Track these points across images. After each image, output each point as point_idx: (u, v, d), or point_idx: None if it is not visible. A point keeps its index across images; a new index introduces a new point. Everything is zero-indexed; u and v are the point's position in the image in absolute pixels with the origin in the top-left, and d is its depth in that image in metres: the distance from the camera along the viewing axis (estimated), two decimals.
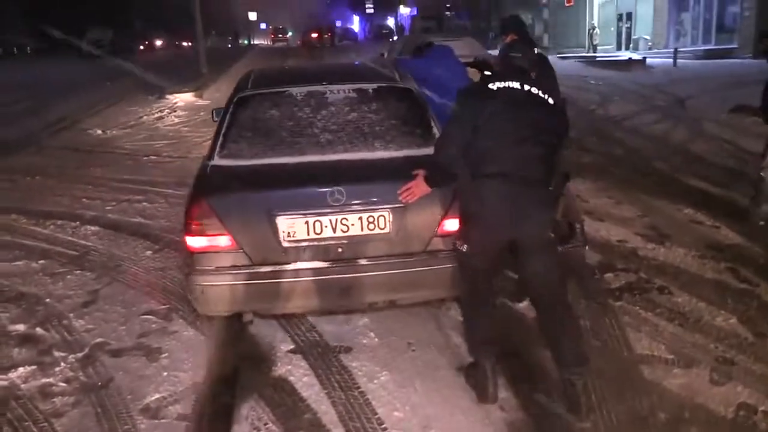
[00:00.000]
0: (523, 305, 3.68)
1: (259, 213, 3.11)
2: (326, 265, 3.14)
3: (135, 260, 4.80)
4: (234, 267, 3.14)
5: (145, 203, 6.30)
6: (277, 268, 3.14)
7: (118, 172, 7.76)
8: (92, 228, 5.59)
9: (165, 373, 3.21)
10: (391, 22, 58.58)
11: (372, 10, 58.13)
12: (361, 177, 3.22)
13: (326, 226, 3.11)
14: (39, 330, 3.70)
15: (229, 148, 3.50)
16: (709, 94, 11.97)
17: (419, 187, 2.97)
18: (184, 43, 66.74)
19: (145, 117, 12.54)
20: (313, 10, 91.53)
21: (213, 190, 3.23)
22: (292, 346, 3.42)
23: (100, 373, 3.22)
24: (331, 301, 3.29)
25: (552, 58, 24.16)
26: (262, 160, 3.40)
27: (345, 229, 3.12)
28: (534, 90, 2.70)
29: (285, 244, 3.11)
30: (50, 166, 8.23)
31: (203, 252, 3.15)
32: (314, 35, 45.59)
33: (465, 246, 2.77)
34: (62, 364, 3.31)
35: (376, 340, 3.44)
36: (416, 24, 44.24)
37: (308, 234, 3.11)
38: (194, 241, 3.15)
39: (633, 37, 25.64)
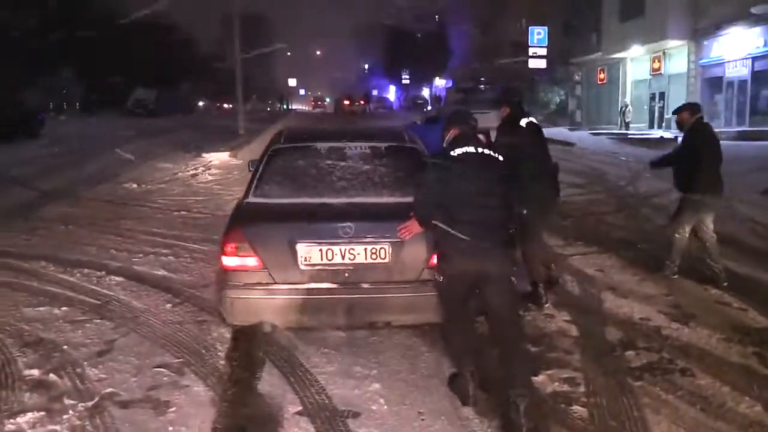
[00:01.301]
0: None
1: (282, 240, 3.82)
2: (335, 287, 3.83)
3: (154, 312, 4.84)
4: (259, 284, 3.84)
5: (170, 257, 6.41)
6: (295, 286, 3.83)
7: (148, 225, 7.93)
8: (117, 278, 5.68)
9: (171, 428, 3.19)
10: (426, 92, 60.01)
11: (408, 81, 59.69)
12: (367, 216, 3.92)
13: (337, 254, 3.80)
14: (52, 376, 3.72)
15: (261, 189, 4.33)
16: (741, 175, 11.82)
17: (413, 226, 3.56)
18: (225, 105, 69.40)
19: (179, 174, 12.89)
20: (351, 79, 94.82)
21: (246, 220, 4.04)
22: (299, 408, 3.37)
23: (107, 424, 3.21)
24: (338, 317, 3.92)
25: (584, 134, 24.55)
26: (288, 199, 4.21)
27: (352, 257, 3.80)
28: (486, 151, 3.38)
29: (302, 267, 3.81)
30: (84, 216, 8.46)
31: (235, 270, 3.87)
32: (346, 102, 49.33)
33: (441, 277, 3.36)
34: (70, 412, 3.31)
35: (386, 407, 3.38)
36: (450, 96, 45.09)
37: (321, 259, 3.81)
38: (228, 261, 3.88)
39: (666, 116, 25.75)
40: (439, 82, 58.29)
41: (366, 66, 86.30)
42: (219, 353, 4.08)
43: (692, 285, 5.46)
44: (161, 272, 5.90)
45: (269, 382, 3.66)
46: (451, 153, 3.38)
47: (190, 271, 5.95)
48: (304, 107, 75.61)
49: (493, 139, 5.14)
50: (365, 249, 3.81)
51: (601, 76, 30.41)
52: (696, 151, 5.43)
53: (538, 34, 21.79)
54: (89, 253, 6.58)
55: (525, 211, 4.74)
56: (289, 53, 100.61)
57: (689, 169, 5.39)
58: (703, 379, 3.67)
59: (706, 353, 4.04)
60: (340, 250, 3.81)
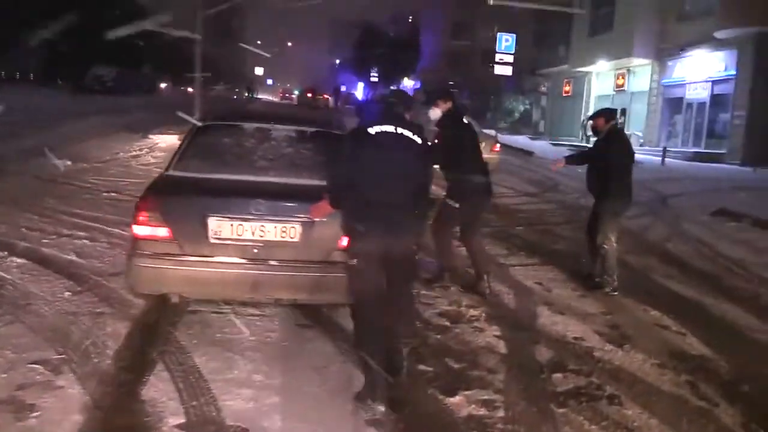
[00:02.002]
0: None
1: (193, 213, 3.85)
2: (243, 262, 3.85)
3: (49, 301, 4.38)
4: (168, 254, 3.83)
5: (85, 240, 5.92)
6: (204, 259, 3.84)
7: (72, 205, 7.38)
8: (19, 260, 5.19)
9: None
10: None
11: (376, 79, 59.23)
12: (280, 195, 3.95)
13: (247, 230, 3.82)
14: None
15: (182, 163, 4.34)
16: (694, 196, 11.87)
17: (324, 207, 3.52)
18: (189, 89, 67.59)
19: (121, 154, 12.28)
20: (321, 73, 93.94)
21: (159, 191, 4.07)
22: (181, 420, 2.98)
23: None
24: (244, 291, 3.96)
25: (545, 144, 24.59)
26: (207, 174, 4.20)
27: (262, 234, 3.83)
28: (406, 132, 3.33)
29: (212, 241, 3.82)
30: (4, 191, 7.84)
31: (144, 239, 3.86)
32: (309, 95, 51.01)
33: (354, 260, 3.30)
34: None
35: (279, 424, 3.01)
36: (417, 97, 45.14)
37: (232, 234, 3.83)
38: (139, 230, 3.87)
39: (626, 132, 26.02)
40: (408, 83, 58.12)
41: (337, 61, 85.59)
42: (108, 351, 3.66)
43: (633, 304, 5.25)
44: (70, 256, 5.42)
45: (155, 388, 3.25)
46: (368, 130, 3.34)
47: (102, 256, 5.48)
48: (271, 97, 74.46)
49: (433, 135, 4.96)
50: (275, 227, 3.85)
51: (567, 88, 30.58)
52: (607, 157, 5.46)
53: (506, 41, 21.61)
54: None
55: (457, 205, 5.04)
56: (259, 41, 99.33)
57: (600, 174, 5.48)
58: (631, 408, 3.41)
59: (638, 380, 3.79)
60: (251, 226, 3.84)
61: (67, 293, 4.54)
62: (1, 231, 6.04)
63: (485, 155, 11.88)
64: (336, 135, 4.56)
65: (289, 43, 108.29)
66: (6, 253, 5.33)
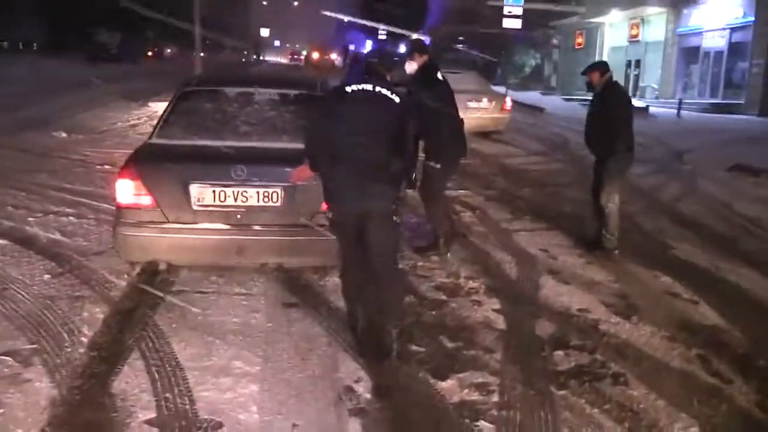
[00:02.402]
0: None
1: (176, 180, 3.84)
2: (227, 227, 3.89)
3: (27, 284, 4.20)
4: (152, 222, 3.86)
5: (71, 218, 5.72)
6: (187, 226, 3.87)
7: (63, 179, 7.18)
8: (1, 242, 5.00)
9: None
10: (403, 49, 58.47)
11: (384, 37, 58.00)
12: (261, 159, 3.95)
13: (229, 196, 3.84)
14: None
15: (165, 131, 4.32)
16: (710, 150, 11.42)
17: (305, 171, 3.50)
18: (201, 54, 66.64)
19: (119, 124, 12.04)
20: (328, 32, 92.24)
21: (142, 159, 4.03)
22: (152, 415, 2.79)
23: None
24: (230, 257, 4.00)
25: (556, 100, 23.97)
26: (189, 141, 4.19)
27: (244, 199, 3.84)
28: (384, 91, 3.26)
29: (195, 208, 3.84)
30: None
31: (128, 208, 3.89)
32: (315, 56, 50.41)
33: (330, 214, 3.35)
34: None
35: (256, 416, 2.81)
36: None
37: (214, 200, 3.84)
38: (122, 199, 3.89)
39: (641, 84, 25.27)
40: None
41: (345, 19, 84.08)
42: (83, 339, 3.47)
43: (642, 271, 4.97)
44: (55, 236, 5.23)
45: (128, 379, 3.06)
46: (345, 89, 3.32)
47: (88, 234, 5.28)
48: (279, 59, 73.51)
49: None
50: (257, 192, 3.86)
51: (579, 40, 29.67)
52: (609, 112, 5.17)
53: None
54: None
55: (438, 165, 4.84)
56: (264, 2, 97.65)
57: (601, 131, 5.19)
58: (637, 388, 3.17)
59: (645, 356, 3.54)
60: (233, 192, 3.85)
61: (47, 276, 4.36)
62: None
63: (495, 114, 11.69)
64: (320, 97, 4.42)
65: (295, 2, 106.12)
66: None
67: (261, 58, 60.79)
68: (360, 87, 3.29)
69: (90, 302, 3.94)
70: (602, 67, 5.35)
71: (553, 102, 22.33)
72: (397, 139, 3.27)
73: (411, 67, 4.94)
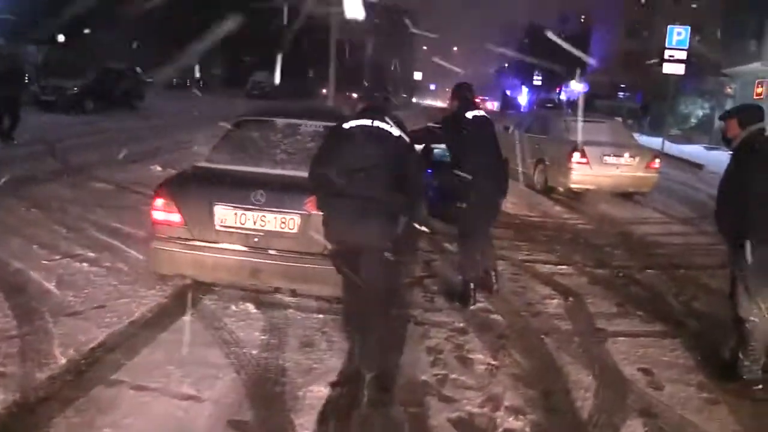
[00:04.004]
0: None
1: (202, 201, 4.10)
2: (245, 249, 4.08)
3: None
4: (180, 239, 4.15)
5: (86, 264, 5.09)
6: (210, 245, 4.11)
7: (115, 218, 6.62)
8: None
9: None
10: (564, 96, 56.03)
11: (540, 83, 56.16)
12: (281, 186, 4.04)
13: (249, 219, 4.04)
14: None
15: (213, 156, 4.67)
16: None
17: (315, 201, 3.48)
18: (355, 95, 69.26)
19: None
20: (484, 78, 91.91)
21: (177, 180, 4.43)
22: None
23: None
24: (245, 278, 4.20)
25: (723, 156, 20.72)
26: (228, 166, 4.44)
27: (263, 224, 4.03)
28: (383, 126, 3.33)
29: (218, 228, 4.08)
30: (68, 200, 7.32)
31: (160, 224, 4.20)
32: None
33: (329, 245, 3.43)
34: None
35: None
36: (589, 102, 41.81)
37: (235, 223, 4.06)
38: (156, 215, 4.20)
39: None
40: (575, 86, 54.28)
41: (506, 65, 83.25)
42: None
43: None
44: (50, 285, 4.60)
45: None
46: (344, 126, 3.38)
47: (84, 287, 4.61)
48: (434, 102, 74.14)
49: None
50: (275, 218, 4.03)
51: (759, 90, 25.85)
52: (744, 180, 3.54)
53: (678, 35, 18.35)
54: (8, 247, 5.39)
55: (464, 205, 4.65)
56: (425, 47, 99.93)
57: (734, 206, 3.59)
58: None
59: None
60: (253, 215, 4.05)
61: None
62: (12, 247, 5.40)
63: (638, 173, 9.74)
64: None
65: (455, 48, 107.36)
66: None
67: (413, 100, 61.81)
68: (358, 123, 3.34)
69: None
70: (744, 114, 3.71)
71: (717, 158, 19.26)
72: (399, 174, 3.25)
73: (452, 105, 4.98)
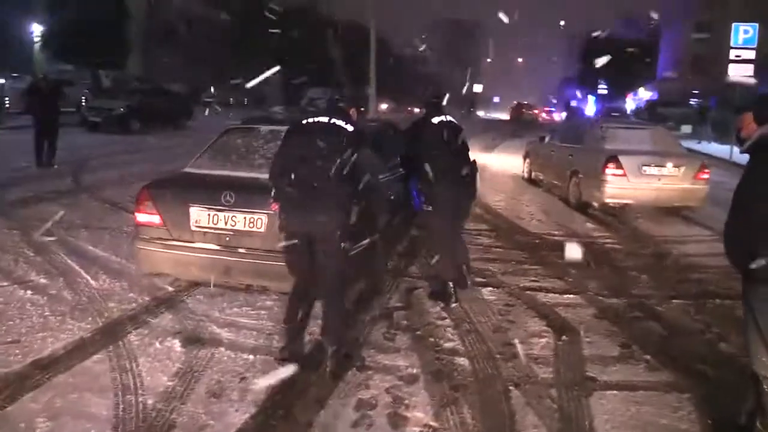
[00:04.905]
0: None
1: (179, 203, 4.39)
2: (218, 248, 4.31)
3: None
4: (160, 239, 4.45)
5: (30, 291, 4.72)
6: (187, 244, 4.37)
7: (92, 239, 6.29)
8: None
9: None
10: (631, 104, 53.57)
11: (605, 91, 53.90)
12: (249, 187, 4.19)
13: (221, 220, 4.26)
14: None
15: (199, 161, 4.92)
16: None
17: None
18: (416, 110, 68.87)
19: None
20: (551, 88, 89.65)
21: (156, 184, 4.68)
22: None
23: None
24: (218, 275, 4.45)
25: None
26: (207, 170, 4.70)
27: (233, 224, 4.25)
28: (337, 122, 3.52)
29: (193, 228, 4.33)
30: (69, 220, 7.07)
31: (143, 225, 4.50)
32: (519, 110, 52.35)
33: (282, 238, 3.55)
34: None
35: None
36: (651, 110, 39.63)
37: (209, 223, 4.30)
38: (138, 216, 4.51)
39: None
40: (644, 94, 51.85)
41: (571, 74, 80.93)
42: None
43: None
44: None
45: None
46: (302, 121, 3.62)
47: (16, 317, 4.23)
48: (496, 115, 72.79)
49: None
50: (245, 217, 4.19)
51: None
52: (759, 189, 2.71)
53: (745, 33, 16.81)
54: None
55: (430, 208, 4.75)
56: (489, 59, 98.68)
57: (742, 225, 2.75)
58: None
59: None
60: (224, 216, 4.22)
61: None
62: None
63: (684, 184, 8.61)
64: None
65: (519, 59, 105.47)
66: None
67: (479, 114, 61.28)
68: (315, 119, 3.55)
69: None
70: (763, 107, 2.87)
71: None
72: (349, 167, 3.38)
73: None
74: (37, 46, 28.61)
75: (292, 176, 3.41)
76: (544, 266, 6.01)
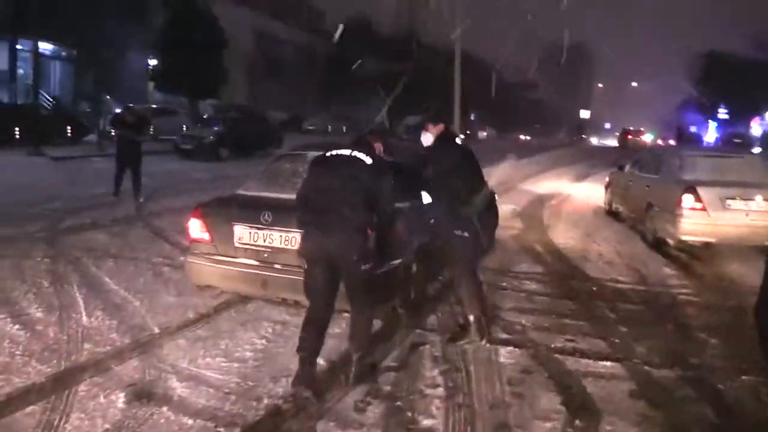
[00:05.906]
0: None
1: (225, 221, 4.79)
2: (257, 263, 4.66)
3: None
4: (208, 254, 4.88)
5: (18, 325, 4.56)
6: (231, 259, 4.75)
7: (114, 271, 6.16)
8: None
9: None
10: (757, 129, 49.00)
11: (726, 116, 49.79)
12: (286, 208, 4.32)
13: (260, 237, 4.62)
14: None
15: (250, 184, 5.44)
16: None
17: None
18: (522, 137, 67.13)
19: None
20: (668, 113, 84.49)
21: (207, 204, 5.18)
22: None
23: None
24: (257, 289, 4.78)
25: None
26: (254, 192, 5.23)
27: (270, 241, 4.59)
28: (357, 154, 3.78)
29: (236, 245, 4.72)
30: (90, 249, 7.04)
31: (194, 241, 4.99)
32: (629, 137, 50.34)
33: (303, 262, 3.75)
34: None
35: None
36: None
37: (249, 240, 4.67)
38: (191, 233, 4.99)
39: None
40: None
41: (688, 98, 75.98)
42: None
43: None
44: None
45: None
46: (326, 154, 3.87)
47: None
48: (606, 142, 69.54)
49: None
50: (281, 235, 4.54)
51: None
52: None
53: None
54: None
55: (466, 234, 4.49)
56: (600, 84, 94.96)
57: None
58: None
59: None
60: (263, 234, 4.60)
61: None
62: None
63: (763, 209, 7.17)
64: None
65: (634, 83, 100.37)
66: None
67: (591, 141, 59.31)
68: (337, 152, 3.83)
69: None
70: None
71: None
72: (367, 193, 3.64)
73: (427, 138, 4.71)
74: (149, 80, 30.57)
75: (313, 205, 3.66)
76: (590, 321, 5.12)
